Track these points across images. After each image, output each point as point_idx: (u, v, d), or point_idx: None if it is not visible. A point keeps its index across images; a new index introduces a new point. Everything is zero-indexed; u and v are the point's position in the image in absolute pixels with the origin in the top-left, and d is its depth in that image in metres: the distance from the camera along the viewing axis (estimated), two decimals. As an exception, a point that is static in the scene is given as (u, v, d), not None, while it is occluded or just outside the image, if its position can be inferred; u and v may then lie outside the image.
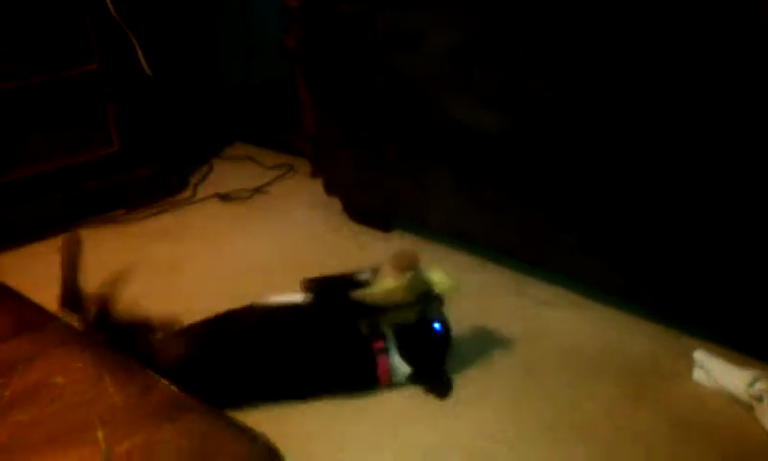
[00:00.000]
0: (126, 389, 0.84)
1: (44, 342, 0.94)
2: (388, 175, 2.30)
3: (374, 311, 1.67)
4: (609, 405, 1.64)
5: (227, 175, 2.92)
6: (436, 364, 1.73)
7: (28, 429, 0.79)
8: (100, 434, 0.77)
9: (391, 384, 1.71)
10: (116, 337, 1.54)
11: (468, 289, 2.09)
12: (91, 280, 2.19)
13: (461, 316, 1.97)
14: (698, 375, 1.67)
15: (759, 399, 1.56)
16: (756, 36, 1.54)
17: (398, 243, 2.36)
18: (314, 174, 2.76)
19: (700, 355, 1.68)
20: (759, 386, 1.57)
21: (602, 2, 1.74)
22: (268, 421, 1.32)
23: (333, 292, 1.73)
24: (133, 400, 0.83)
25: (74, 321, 1.60)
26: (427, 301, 1.69)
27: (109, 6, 2.46)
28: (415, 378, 1.71)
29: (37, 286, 1.30)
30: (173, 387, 0.85)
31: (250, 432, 0.80)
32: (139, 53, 2.56)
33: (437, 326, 1.71)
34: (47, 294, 1.43)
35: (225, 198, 2.74)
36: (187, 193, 2.79)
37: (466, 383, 1.73)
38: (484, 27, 1.95)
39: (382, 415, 1.66)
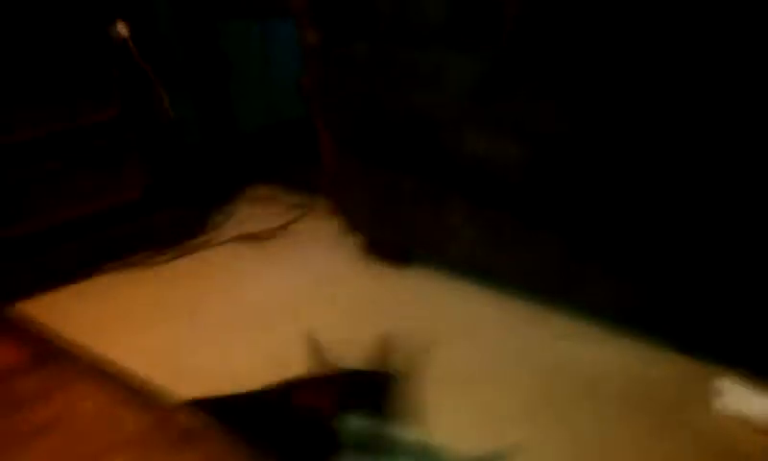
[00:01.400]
0: (144, 417, 0.85)
1: (62, 374, 0.95)
2: (407, 210, 2.31)
3: None
4: (632, 436, 1.62)
5: (247, 216, 2.94)
6: None
7: (47, 459, 0.80)
8: (118, 461, 0.77)
9: None
10: None
11: (490, 321, 2.10)
12: (118, 325, 2.23)
13: (481, 349, 1.98)
14: (721, 402, 1.65)
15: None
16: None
17: (419, 277, 2.37)
18: (334, 212, 2.77)
19: (723, 383, 1.66)
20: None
21: (616, 31, 1.75)
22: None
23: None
24: (152, 428, 0.83)
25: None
26: None
27: (134, 53, 2.50)
28: None
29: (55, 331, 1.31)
30: (191, 415, 0.85)
31: (270, 458, 0.80)
32: (165, 99, 2.59)
33: None
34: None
35: (246, 239, 2.75)
36: (208, 235, 2.81)
37: (486, 416, 1.72)
38: (498, 62, 1.97)
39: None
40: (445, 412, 1.74)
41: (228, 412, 1.47)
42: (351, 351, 1.50)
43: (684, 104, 1.67)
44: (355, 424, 1.43)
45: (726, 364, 1.73)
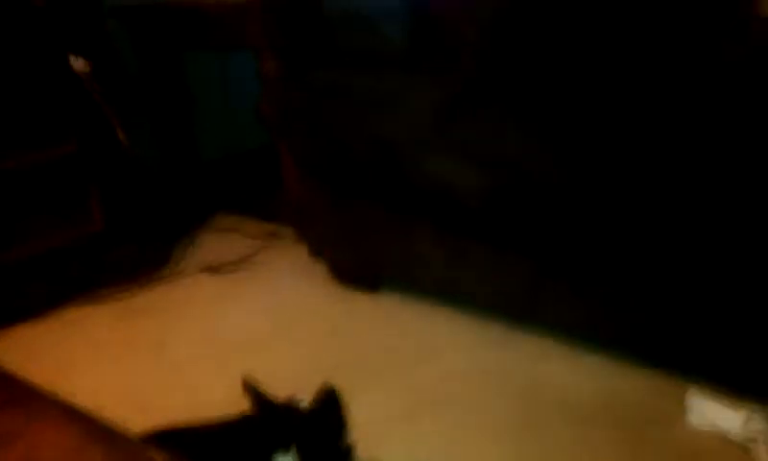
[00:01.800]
0: (113, 455, 0.83)
1: (30, 416, 0.93)
2: (372, 235, 2.30)
3: None
4: (608, 454, 1.63)
5: (211, 246, 2.92)
6: None
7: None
8: (88, 503, 0.75)
9: None
10: None
11: (460, 345, 2.09)
12: (84, 360, 2.20)
13: (454, 372, 1.97)
14: (693, 416, 1.67)
15: (755, 439, 1.55)
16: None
17: (387, 302, 2.36)
18: (299, 240, 2.76)
19: (694, 397, 1.67)
20: (754, 425, 1.57)
21: (576, 56, 1.77)
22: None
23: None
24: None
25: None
26: None
27: (89, 87, 2.48)
28: None
29: (21, 367, 1.29)
30: (159, 451, 0.84)
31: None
32: (120, 132, 2.57)
33: None
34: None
35: (210, 270, 2.72)
36: (172, 267, 2.78)
37: (462, 439, 1.72)
38: (459, 88, 1.97)
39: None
40: (415, 436, 1.74)
41: (189, 445, 1.47)
42: (309, 386, 1.50)
43: (646, 126, 1.69)
44: None
45: (697, 378, 1.75)
